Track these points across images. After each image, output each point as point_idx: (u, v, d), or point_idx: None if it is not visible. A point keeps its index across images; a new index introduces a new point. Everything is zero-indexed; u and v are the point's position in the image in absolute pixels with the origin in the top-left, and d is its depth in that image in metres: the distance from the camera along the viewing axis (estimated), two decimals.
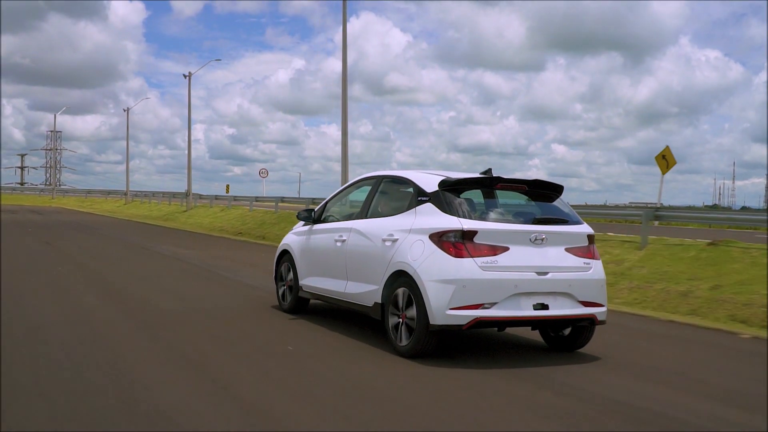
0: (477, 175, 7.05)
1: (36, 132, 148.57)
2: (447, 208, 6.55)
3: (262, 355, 6.45)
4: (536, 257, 6.44)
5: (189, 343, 6.87)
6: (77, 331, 7.22)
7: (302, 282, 8.49)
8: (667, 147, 24.39)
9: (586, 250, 6.77)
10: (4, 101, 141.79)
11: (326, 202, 8.57)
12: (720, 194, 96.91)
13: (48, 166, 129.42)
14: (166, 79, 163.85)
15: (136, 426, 4.38)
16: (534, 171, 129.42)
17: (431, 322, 6.23)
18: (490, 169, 7.06)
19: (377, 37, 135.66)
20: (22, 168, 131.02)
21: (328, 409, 4.86)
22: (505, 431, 4.61)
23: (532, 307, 6.36)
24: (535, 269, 6.40)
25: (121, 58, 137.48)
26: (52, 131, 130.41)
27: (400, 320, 6.62)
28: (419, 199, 6.87)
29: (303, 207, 16.31)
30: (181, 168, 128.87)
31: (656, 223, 21.97)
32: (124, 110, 58.22)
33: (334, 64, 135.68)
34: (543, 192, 7.02)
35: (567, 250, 6.64)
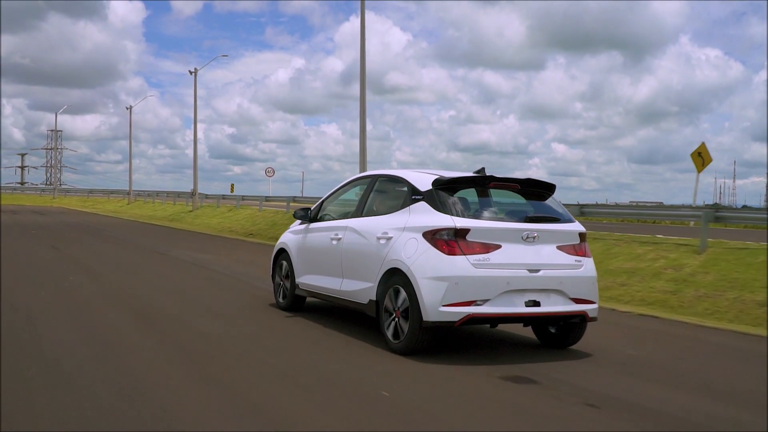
0: (470, 174, 7.03)
1: (36, 132, 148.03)
2: (440, 206, 6.57)
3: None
4: (528, 255, 6.45)
5: (252, 384, 5.40)
6: (108, 369, 5.67)
7: (299, 280, 8.49)
8: (703, 144, 22.96)
9: (578, 248, 6.78)
10: (3, 101, 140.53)
11: (322, 201, 8.54)
12: (721, 193, 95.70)
13: (48, 165, 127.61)
14: (166, 78, 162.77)
15: None
16: (534, 170, 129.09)
17: (424, 318, 6.24)
18: (483, 168, 7.08)
19: (377, 36, 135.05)
20: (22, 167, 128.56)
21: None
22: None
23: (523, 304, 6.39)
24: (527, 267, 6.42)
25: (121, 57, 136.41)
26: (52, 130, 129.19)
27: (394, 317, 6.63)
28: (413, 197, 6.87)
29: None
30: (182, 167, 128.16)
31: (691, 223, 20.68)
32: (127, 108, 56.55)
33: (334, 63, 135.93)
34: (535, 191, 7.03)
35: (559, 248, 6.65)
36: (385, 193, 7.62)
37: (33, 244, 18.26)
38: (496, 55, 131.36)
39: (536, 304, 6.44)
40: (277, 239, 10.07)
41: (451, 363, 6.25)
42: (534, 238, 6.51)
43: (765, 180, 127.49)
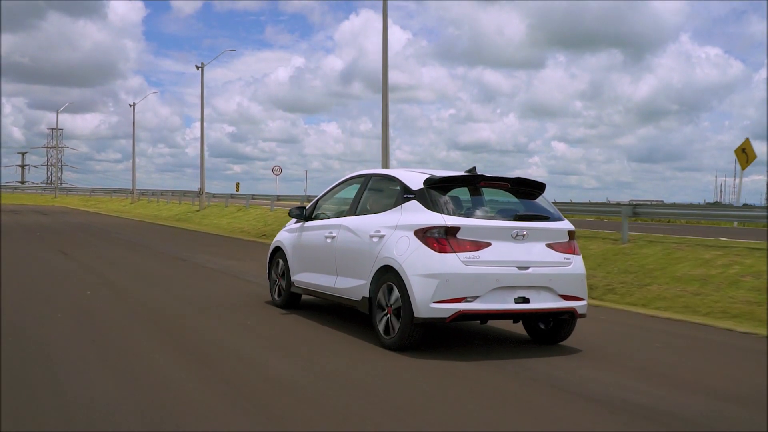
0: (462, 173, 7.02)
1: (36, 131, 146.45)
2: (431, 205, 6.58)
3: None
4: (517, 252, 6.47)
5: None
6: None
7: (294, 278, 8.48)
8: (747, 140, 21.30)
9: (567, 245, 6.78)
10: (3, 100, 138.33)
11: (317, 200, 8.52)
12: (722, 191, 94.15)
13: (49, 164, 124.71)
14: (166, 77, 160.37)
15: None
16: (534, 168, 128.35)
17: (416, 315, 6.25)
18: (474, 168, 7.10)
19: (377, 35, 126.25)
20: (22, 166, 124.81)
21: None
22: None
23: (513, 301, 6.41)
24: (517, 264, 6.43)
25: (121, 56, 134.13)
26: (53, 129, 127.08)
27: (387, 314, 6.62)
28: (405, 196, 6.88)
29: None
30: (181, 166, 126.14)
31: (735, 224, 19.12)
32: (130, 105, 54.58)
33: (334, 62, 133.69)
34: (525, 189, 7.03)
35: (548, 245, 6.66)
36: (378, 192, 7.61)
37: (39, 248, 16.35)
38: (496, 53, 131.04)
39: (525, 300, 6.47)
40: None
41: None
42: (523, 236, 6.52)
43: (765, 178, 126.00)
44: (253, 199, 33.32)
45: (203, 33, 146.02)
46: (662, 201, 63.88)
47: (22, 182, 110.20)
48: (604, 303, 10.65)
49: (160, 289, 10.33)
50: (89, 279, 11.05)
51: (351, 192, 8.02)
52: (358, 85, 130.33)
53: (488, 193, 7.00)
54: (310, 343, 6.81)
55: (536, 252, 6.57)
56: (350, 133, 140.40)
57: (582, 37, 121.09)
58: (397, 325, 6.46)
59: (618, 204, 18.53)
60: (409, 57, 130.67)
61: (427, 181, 6.76)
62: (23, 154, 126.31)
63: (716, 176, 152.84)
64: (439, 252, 6.27)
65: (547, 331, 7.11)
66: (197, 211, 35.65)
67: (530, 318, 6.93)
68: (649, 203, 21.89)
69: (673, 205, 27.58)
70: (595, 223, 24.64)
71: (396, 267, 6.48)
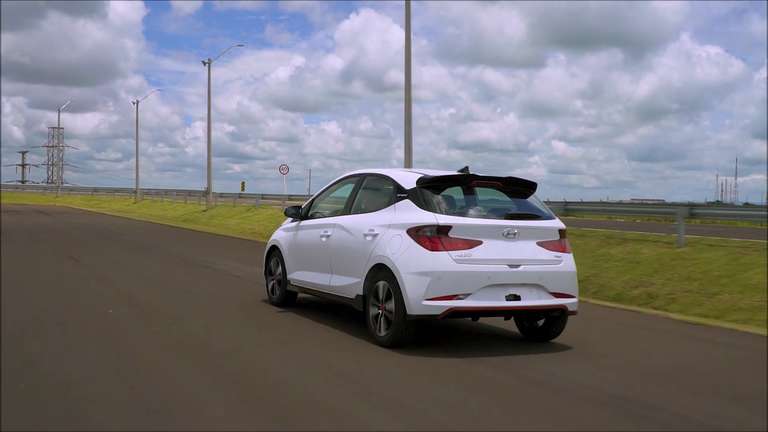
0: (454, 172, 7.05)
1: (35, 130, 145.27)
2: (424, 204, 6.62)
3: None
4: (508, 251, 6.49)
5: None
6: None
7: (290, 276, 8.48)
8: None
9: (558, 243, 6.81)
10: (3, 99, 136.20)
11: (313, 199, 8.55)
12: (722, 191, 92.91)
13: (50, 163, 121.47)
14: (166, 77, 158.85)
15: None
16: (534, 168, 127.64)
17: (408, 312, 6.26)
18: (467, 167, 7.08)
19: (377, 34, 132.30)
20: (23, 165, 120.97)
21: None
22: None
23: (504, 298, 6.42)
24: (508, 262, 6.45)
25: (121, 56, 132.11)
26: (54, 128, 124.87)
27: (380, 311, 6.62)
28: (398, 195, 6.91)
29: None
30: (181, 166, 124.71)
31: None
32: (133, 103, 52.64)
33: (334, 61, 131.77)
34: (517, 189, 7.07)
35: (539, 243, 6.69)
36: (372, 191, 7.62)
37: (45, 253, 14.75)
38: (496, 52, 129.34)
39: (517, 298, 6.49)
40: None
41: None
42: (515, 234, 6.56)
43: (765, 177, 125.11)
44: (262, 198, 31.75)
45: (203, 32, 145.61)
46: (663, 200, 62.63)
47: (23, 181, 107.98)
48: (670, 314, 9.58)
49: (192, 305, 8.74)
50: (106, 292, 9.48)
51: (346, 191, 8.02)
52: (358, 84, 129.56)
53: (481, 193, 7.00)
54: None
55: (527, 250, 6.60)
56: (350, 132, 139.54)
57: (582, 36, 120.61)
58: (390, 323, 6.48)
59: (673, 204, 17.14)
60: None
61: (419, 181, 6.80)
62: (24, 153, 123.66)
63: (717, 175, 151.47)
64: (431, 250, 6.31)
65: (539, 328, 7.13)
66: (204, 211, 34.05)
67: (521, 315, 7.01)
68: (703, 204, 20.67)
69: (731, 206, 25.87)
70: (628, 224, 23.04)
71: (389, 265, 6.51)
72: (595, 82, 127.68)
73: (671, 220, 25.29)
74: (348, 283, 7.20)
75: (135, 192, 51.12)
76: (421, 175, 6.89)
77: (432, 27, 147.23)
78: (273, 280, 8.92)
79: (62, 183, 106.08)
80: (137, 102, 52.09)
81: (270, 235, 29.83)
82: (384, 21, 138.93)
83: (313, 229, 8.08)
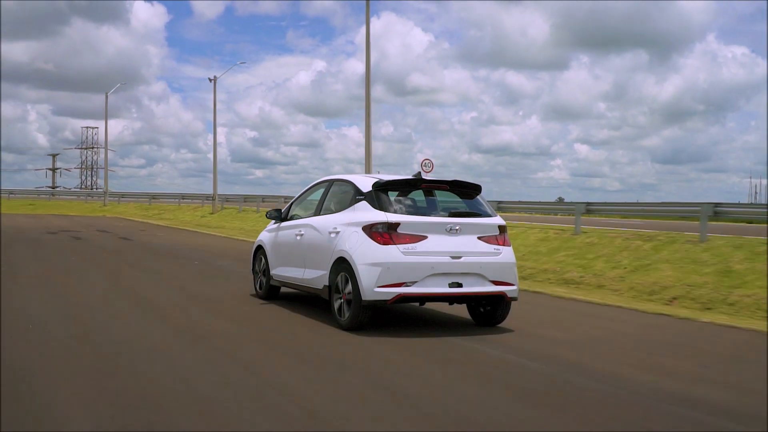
0: (406, 177, 7.96)
1: (60, 137, 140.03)
2: (377, 204, 7.49)
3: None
4: (451, 244, 7.31)
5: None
6: None
7: (273, 272, 9.27)
8: None
9: (497, 238, 7.61)
10: (28, 106, 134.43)
11: (291, 203, 9.39)
12: (757, 192, 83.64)
13: (83, 167, 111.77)
14: (188, 83, 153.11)
15: None
16: (556, 171, 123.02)
17: (363, 298, 7.14)
18: (419, 172, 7.83)
19: (399, 38, 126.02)
20: (53, 170, 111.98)
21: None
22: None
23: (447, 285, 7.26)
24: (450, 254, 7.27)
25: (144, 62, 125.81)
26: (88, 127, 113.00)
27: (342, 299, 7.50)
28: (357, 198, 7.78)
29: None
30: (204, 171, 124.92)
31: None
32: (210, 80, 40.62)
33: (356, 66, 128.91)
34: (463, 190, 7.91)
35: (479, 238, 7.50)
36: (337, 194, 8.42)
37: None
38: (518, 55, 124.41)
39: (459, 285, 7.29)
40: None
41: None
42: (457, 230, 7.37)
43: None
44: None
45: (225, 38, 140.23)
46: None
47: (54, 187, 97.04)
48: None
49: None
50: None
51: (318, 195, 8.89)
52: (380, 88, 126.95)
53: (431, 194, 7.81)
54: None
55: (469, 244, 7.40)
56: (372, 136, 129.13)
57: (607, 37, 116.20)
58: (349, 308, 7.33)
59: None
60: (431, 59, 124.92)
61: (374, 185, 7.66)
62: (54, 156, 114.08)
63: (750, 177, 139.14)
64: (382, 244, 7.17)
65: (486, 313, 7.91)
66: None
67: (463, 300, 7.72)
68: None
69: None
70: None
71: (348, 258, 7.37)
72: (619, 84, 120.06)
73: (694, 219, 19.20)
74: (317, 275, 8.04)
75: (212, 199, 39.34)
76: (376, 180, 7.78)
77: (453, 30, 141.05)
78: (259, 276, 9.76)
79: (96, 188, 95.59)
80: (215, 78, 40.16)
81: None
82: (405, 24, 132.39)
83: (290, 229, 8.95)
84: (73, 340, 6.71)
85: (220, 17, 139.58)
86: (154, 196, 48.08)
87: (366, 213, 7.46)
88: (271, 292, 9.50)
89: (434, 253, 7.19)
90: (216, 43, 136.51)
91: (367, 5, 23.53)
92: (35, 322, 7.49)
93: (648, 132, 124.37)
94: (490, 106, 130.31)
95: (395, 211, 7.39)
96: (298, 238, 8.61)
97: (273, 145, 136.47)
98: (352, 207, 7.74)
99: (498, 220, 7.74)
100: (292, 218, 9.15)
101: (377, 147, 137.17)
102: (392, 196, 7.61)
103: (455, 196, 7.87)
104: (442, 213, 7.58)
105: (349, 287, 7.32)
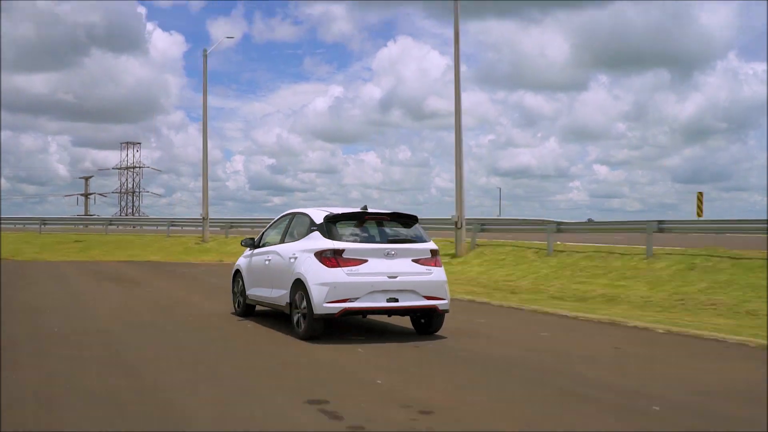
0: (354, 210, 9.34)
1: (80, 168, 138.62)
2: (327, 234, 8.85)
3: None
4: (389, 266, 8.65)
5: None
6: None
7: (248, 292, 10.72)
8: None
9: (430, 260, 8.96)
10: (48, 138, 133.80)
11: (263, 232, 10.91)
12: None
13: (123, 190, 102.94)
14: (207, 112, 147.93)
15: None
16: (575, 193, 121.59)
17: (314, 312, 8.48)
18: (366, 206, 9.34)
19: (415, 62, 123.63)
20: (86, 195, 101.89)
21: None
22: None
23: (385, 300, 8.59)
24: (387, 274, 8.61)
25: (162, 92, 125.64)
26: (128, 143, 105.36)
27: (299, 313, 8.83)
28: (311, 228, 9.16)
29: None
30: (222, 199, 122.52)
31: None
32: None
33: (372, 91, 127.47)
34: (402, 221, 9.35)
35: (413, 260, 8.84)
36: (297, 225, 9.75)
37: None
38: (536, 76, 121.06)
39: (395, 300, 8.62)
40: None
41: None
42: (393, 254, 8.71)
43: None
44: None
45: (242, 66, 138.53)
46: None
47: (87, 215, 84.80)
48: None
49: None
50: None
51: (283, 225, 10.26)
52: (397, 112, 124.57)
53: (374, 225, 9.18)
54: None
55: (404, 265, 8.73)
56: (389, 162, 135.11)
57: (628, 57, 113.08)
58: (305, 321, 8.68)
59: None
60: (448, 83, 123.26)
61: (326, 218, 9.03)
62: (87, 178, 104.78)
63: None
64: (330, 267, 8.53)
65: (424, 324, 9.31)
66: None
67: (400, 313, 9.05)
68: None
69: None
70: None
71: (303, 279, 8.71)
72: (639, 104, 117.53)
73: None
74: (281, 294, 9.37)
75: (203, 219, 29.97)
76: (328, 213, 9.12)
77: (471, 53, 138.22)
78: (237, 296, 11.24)
79: (140, 213, 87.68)
80: (205, 51, 32.90)
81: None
82: (422, 49, 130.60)
83: (261, 255, 10.38)
84: None
85: (238, 45, 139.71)
86: (232, 225, 32.50)
87: (317, 241, 8.79)
88: (248, 309, 10.90)
89: (374, 274, 8.50)
90: (233, 72, 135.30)
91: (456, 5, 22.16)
92: None
93: (669, 151, 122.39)
94: (508, 128, 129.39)
95: (341, 240, 8.72)
96: (267, 262, 9.98)
97: (291, 171, 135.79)
98: (308, 236, 9.08)
99: (431, 245, 9.09)
100: (263, 245, 10.55)
101: (394, 172, 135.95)
102: (339, 227, 8.93)
103: (397, 225, 9.24)
104: (381, 240, 8.93)
105: (305, 303, 8.60)
